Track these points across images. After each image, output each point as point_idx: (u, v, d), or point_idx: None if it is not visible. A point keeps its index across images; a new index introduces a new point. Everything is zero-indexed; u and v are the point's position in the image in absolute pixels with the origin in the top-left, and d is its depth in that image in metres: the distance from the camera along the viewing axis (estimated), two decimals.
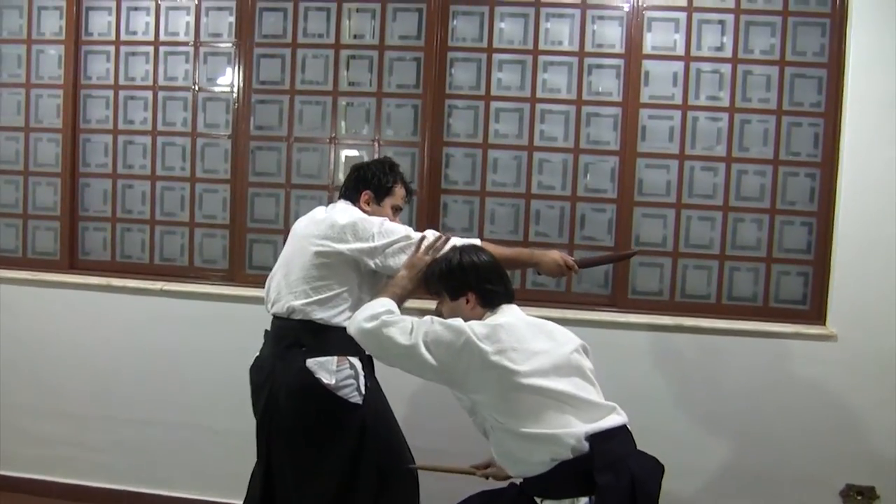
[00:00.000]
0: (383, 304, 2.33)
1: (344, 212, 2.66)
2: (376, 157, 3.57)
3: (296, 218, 3.48)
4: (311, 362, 2.56)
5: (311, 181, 3.70)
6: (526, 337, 2.21)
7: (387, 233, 2.57)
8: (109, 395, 3.72)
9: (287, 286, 2.63)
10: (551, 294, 3.54)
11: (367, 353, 2.52)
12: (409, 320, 2.25)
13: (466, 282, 2.36)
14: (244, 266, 3.73)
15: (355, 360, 2.60)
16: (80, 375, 3.75)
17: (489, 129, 3.58)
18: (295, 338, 2.60)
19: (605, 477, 2.09)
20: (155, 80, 3.79)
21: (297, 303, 2.58)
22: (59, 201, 3.86)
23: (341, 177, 3.63)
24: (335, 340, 2.56)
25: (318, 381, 2.55)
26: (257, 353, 2.75)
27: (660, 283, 3.54)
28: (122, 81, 3.81)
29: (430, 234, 2.58)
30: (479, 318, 2.30)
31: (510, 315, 2.31)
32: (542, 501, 2.15)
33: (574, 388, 2.20)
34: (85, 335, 3.73)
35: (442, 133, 3.60)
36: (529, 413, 2.15)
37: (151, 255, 3.84)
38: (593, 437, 2.13)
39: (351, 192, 2.77)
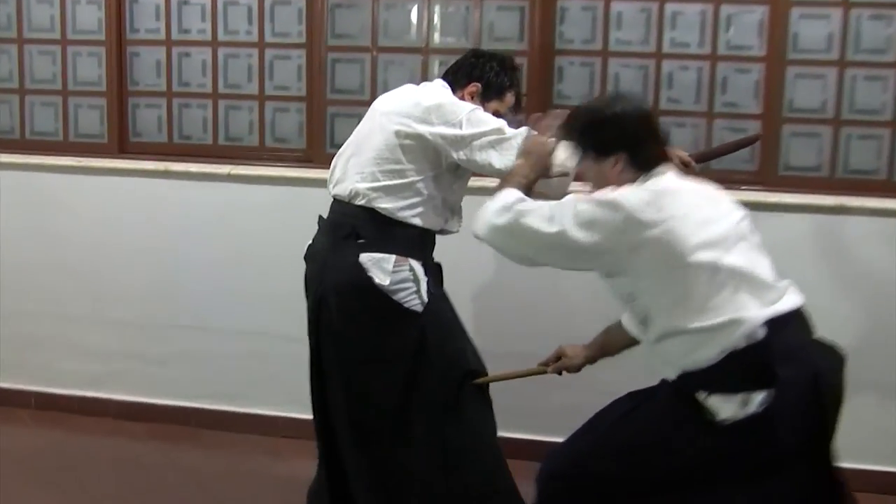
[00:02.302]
0: (512, 194, 2.15)
1: (433, 92, 2.58)
2: (478, 13, 3.40)
3: (384, 87, 3.41)
4: (366, 258, 2.46)
5: (402, 43, 3.49)
6: (692, 204, 2.04)
7: (477, 122, 2.45)
8: (170, 298, 3.62)
9: (355, 166, 2.53)
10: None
11: (486, 247, 2.28)
12: (546, 205, 2.09)
13: (617, 137, 2.14)
14: (324, 145, 3.54)
15: (416, 264, 2.50)
16: (135, 277, 3.64)
17: None
18: (353, 227, 2.51)
19: (785, 369, 1.95)
20: None
21: (363, 185, 2.49)
22: (105, 74, 3.70)
23: (437, 38, 3.48)
24: (398, 237, 2.48)
25: (370, 280, 2.45)
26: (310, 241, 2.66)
27: (817, 157, 3.32)
28: None
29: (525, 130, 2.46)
30: (630, 183, 2.11)
31: (670, 179, 2.12)
32: (707, 397, 2.00)
33: (748, 264, 2.04)
34: (140, 229, 3.61)
35: None
36: (699, 295, 2.00)
37: (215, 135, 3.68)
38: (771, 323, 1.98)
39: (459, 76, 2.66)
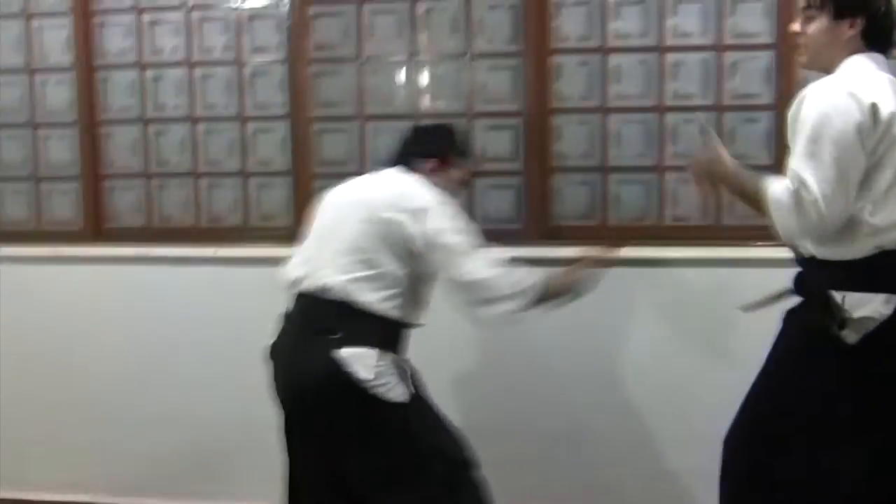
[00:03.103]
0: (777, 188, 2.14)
1: (396, 180, 2.59)
2: (469, 74, 3.39)
3: (373, 156, 3.40)
4: (345, 353, 2.40)
5: (390, 110, 3.43)
6: None
7: (445, 220, 2.47)
8: (152, 391, 3.51)
9: (322, 260, 2.50)
10: (697, 230, 3.26)
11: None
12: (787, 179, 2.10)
13: (868, 3, 2.20)
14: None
15: (395, 357, 2.50)
16: (114, 369, 3.54)
17: (607, 28, 3.27)
18: (325, 322, 2.45)
19: None
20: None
21: (337, 278, 2.44)
22: (77, 157, 3.66)
23: (427, 101, 3.44)
24: (377, 331, 2.44)
25: (349, 376, 2.40)
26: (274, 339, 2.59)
27: None
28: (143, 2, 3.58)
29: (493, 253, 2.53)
30: (846, 56, 2.19)
31: (884, 72, 2.17)
32: (846, 295, 2.12)
33: None
34: (118, 319, 3.52)
35: (548, 38, 3.30)
36: (878, 192, 2.11)
37: (197, 216, 3.61)
38: None
39: (410, 158, 2.68)
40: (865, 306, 2.11)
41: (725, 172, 2.32)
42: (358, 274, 2.43)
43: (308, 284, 2.48)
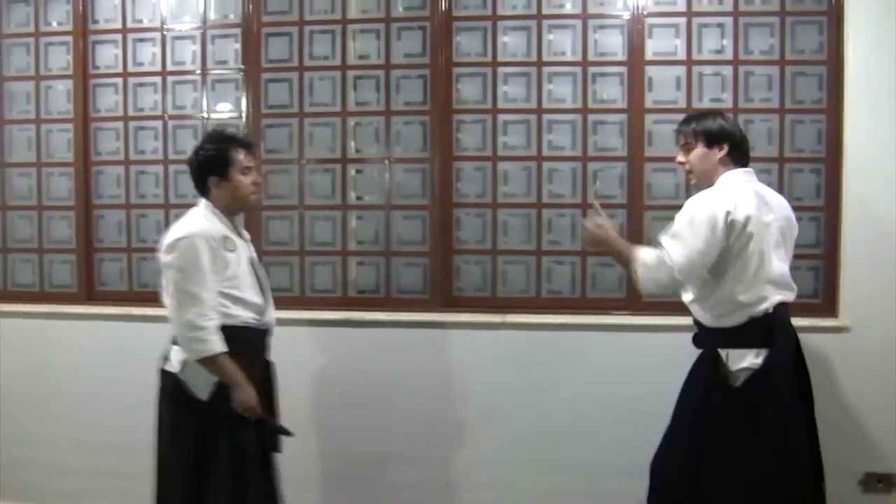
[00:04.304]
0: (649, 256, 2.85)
1: (180, 221, 2.88)
2: (386, 175, 3.90)
3: (310, 239, 3.91)
4: (174, 349, 2.85)
5: (325, 201, 4.00)
6: (761, 207, 2.76)
7: (173, 279, 2.78)
8: (136, 421, 3.66)
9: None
10: (567, 301, 3.84)
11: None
12: (671, 248, 2.79)
13: (726, 131, 2.87)
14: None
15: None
16: (104, 404, 3.97)
17: (497, 141, 3.87)
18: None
19: (779, 336, 2.74)
20: (164, 110, 4.10)
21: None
22: (74, 234, 4.17)
23: (353, 195, 3.96)
24: None
25: (165, 367, 2.84)
26: None
27: None
28: (131, 112, 4.12)
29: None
30: (721, 173, 2.83)
31: (750, 183, 2.83)
32: (728, 352, 2.75)
33: (780, 263, 2.80)
34: (107, 364, 3.97)
35: (451, 148, 3.90)
36: (747, 277, 2.73)
37: None
38: (778, 306, 2.77)
39: (200, 187, 2.91)
40: (742, 360, 2.72)
41: (608, 238, 2.97)
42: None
43: None
